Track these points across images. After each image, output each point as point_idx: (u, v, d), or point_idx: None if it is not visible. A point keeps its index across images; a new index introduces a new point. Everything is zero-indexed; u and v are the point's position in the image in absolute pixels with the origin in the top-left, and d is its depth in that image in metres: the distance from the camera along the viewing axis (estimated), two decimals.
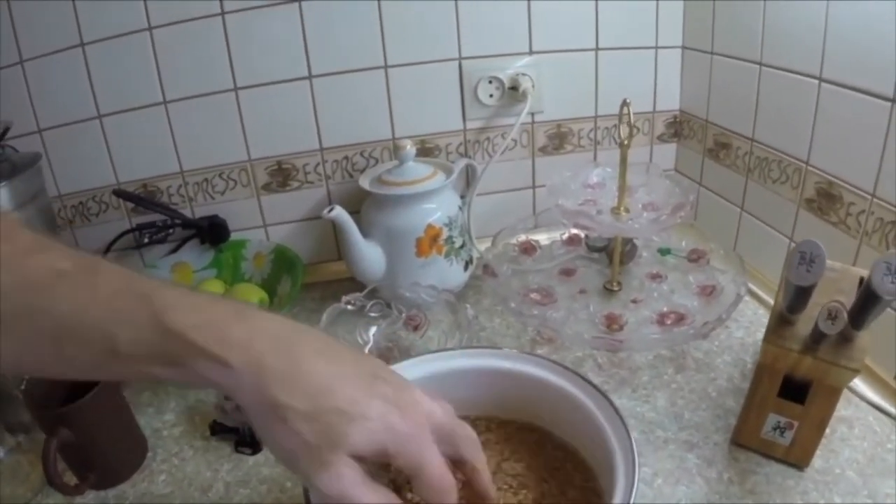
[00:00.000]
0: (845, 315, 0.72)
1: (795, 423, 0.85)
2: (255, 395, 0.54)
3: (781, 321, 0.83)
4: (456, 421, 0.62)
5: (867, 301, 0.71)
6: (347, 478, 0.53)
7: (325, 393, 0.55)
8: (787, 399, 0.84)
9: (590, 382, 0.74)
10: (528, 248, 1.33)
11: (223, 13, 1.22)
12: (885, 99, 0.95)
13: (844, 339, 0.78)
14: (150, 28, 1.21)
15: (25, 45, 1.19)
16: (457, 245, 1.25)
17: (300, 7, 1.24)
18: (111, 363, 0.55)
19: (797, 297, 0.78)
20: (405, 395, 0.59)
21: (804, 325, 0.80)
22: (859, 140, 1.01)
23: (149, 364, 0.54)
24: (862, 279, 0.70)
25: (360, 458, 0.55)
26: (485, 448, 0.74)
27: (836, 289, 0.82)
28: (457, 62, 1.35)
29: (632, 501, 0.59)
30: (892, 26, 0.91)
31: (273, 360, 0.54)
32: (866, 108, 0.99)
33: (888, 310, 0.96)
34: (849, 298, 0.76)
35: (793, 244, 1.18)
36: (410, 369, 0.80)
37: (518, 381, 0.79)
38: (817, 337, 0.77)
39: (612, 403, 0.71)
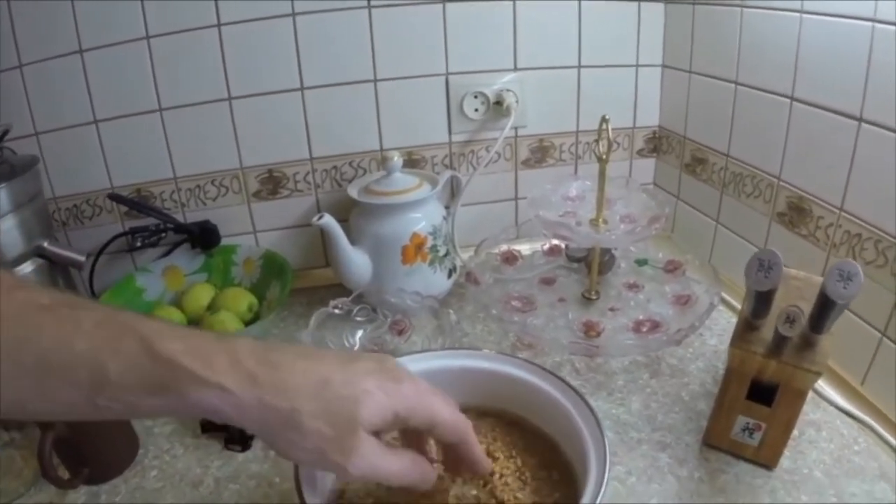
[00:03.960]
0: (803, 319, 0.76)
1: (763, 425, 0.88)
2: (259, 410, 0.55)
3: (747, 327, 0.87)
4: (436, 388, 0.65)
5: (824, 305, 0.75)
6: (373, 453, 0.57)
7: (322, 386, 0.56)
8: (756, 401, 0.88)
9: (566, 383, 0.78)
10: (510, 258, 1.36)
11: (219, 25, 1.24)
12: (853, 118, 0.99)
13: (807, 344, 0.82)
14: (147, 37, 1.23)
15: (25, 48, 1.21)
16: (441, 253, 1.28)
17: (294, 21, 1.27)
18: (97, 396, 0.53)
19: (759, 302, 0.82)
20: (387, 363, 0.63)
21: (769, 330, 0.84)
22: (828, 157, 1.06)
23: (138, 394, 0.54)
24: None
25: (376, 433, 0.58)
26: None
27: (799, 296, 0.86)
28: (444, 77, 1.39)
29: (601, 497, 0.63)
30: (860, 48, 0.96)
31: (264, 374, 0.55)
32: (835, 126, 1.03)
33: (855, 318, 1.01)
34: (811, 305, 0.80)
35: None
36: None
37: (498, 380, 0.83)
38: (780, 341, 0.81)
39: (586, 402, 0.74)
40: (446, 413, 0.62)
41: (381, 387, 0.59)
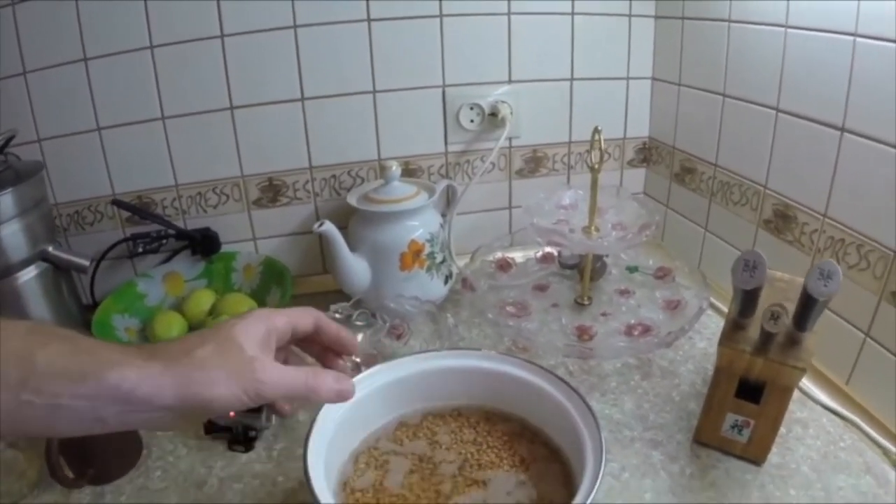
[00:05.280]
0: (786, 316, 0.80)
1: (752, 422, 0.91)
2: (171, 376, 0.60)
3: (735, 326, 0.90)
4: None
5: (806, 303, 0.79)
6: (275, 367, 0.65)
7: (202, 340, 0.64)
8: (744, 399, 0.91)
9: (563, 380, 0.81)
10: (505, 265, 1.39)
11: (222, 35, 1.27)
12: (836, 128, 1.04)
13: (792, 342, 0.86)
14: (151, 46, 1.25)
15: (29, 56, 1.23)
16: (438, 260, 1.31)
17: (295, 33, 1.30)
18: (22, 391, 0.55)
19: (745, 301, 0.86)
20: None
21: (755, 329, 0.87)
22: (812, 165, 1.10)
23: (62, 382, 0.56)
24: None
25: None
26: (466, 440, 0.83)
27: (784, 297, 0.89)
28: (440, 89, 1.42)
29: (599, 479, 0.66)
30: (842, 61, 1.00)
31: (164, 351, 0.62)
32: (819, 136, 1.07)
33: (839, 319, 1.04)
34: (795, 305, 0.83)
35: None
36: (397, 369, 0.87)
37: (497, 379, 0.87)
38: (766, 339, 0.85)
39: (582, 398, 0.78)
40: (294, 313, 0.72)
41: (243, 319, 0.67)
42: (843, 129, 1.03)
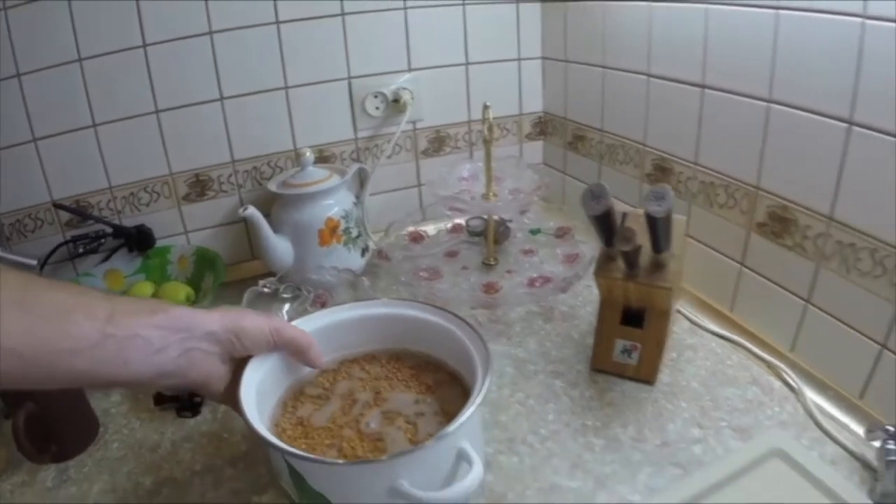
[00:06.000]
0: (636, 238, 0.91)
1: (639, 345, 1.04)
2: (220, 315, 0.81)
3: (606, 258, 1.03)
4: None
5: (652, 225, 0.91)
6: (285, 321, 0.90)
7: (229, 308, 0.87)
8: (629, 325, 1.04)
9: (455, 315, 0.93)
10: (417, 237, 1.50)
11: (144, 45, 1.34)
12: (697, 86, 1.18)
13: (657, 266, 0.98)
14: (80, 59, 1.31)
15: None
16: (353, 235, 1.42)
17: (212, 38, 1.38)
18: (108, 325, 0.69)
19: (601, 228, 0.98)
20: None
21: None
22: (682, 121, 1.24)
23: (138, 316, 0.73)
24: None
25: None
26: (379, 376, 0.95)
27: (643, 231, 0.99)
28: (346, 81, 1.54)
29: (485, 387, 0.78)
30: (697, 25, 1.15)
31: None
32: (684, 95, 1.21)
33: (717, 254, 1.19)
34: None
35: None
36: (315, 321, 0.98)
37: (400, 322, 0.98)
38: (631, 264, 0.97)
39: (470, 325, 0.90)
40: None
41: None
42: (703, 86, 1.17)
